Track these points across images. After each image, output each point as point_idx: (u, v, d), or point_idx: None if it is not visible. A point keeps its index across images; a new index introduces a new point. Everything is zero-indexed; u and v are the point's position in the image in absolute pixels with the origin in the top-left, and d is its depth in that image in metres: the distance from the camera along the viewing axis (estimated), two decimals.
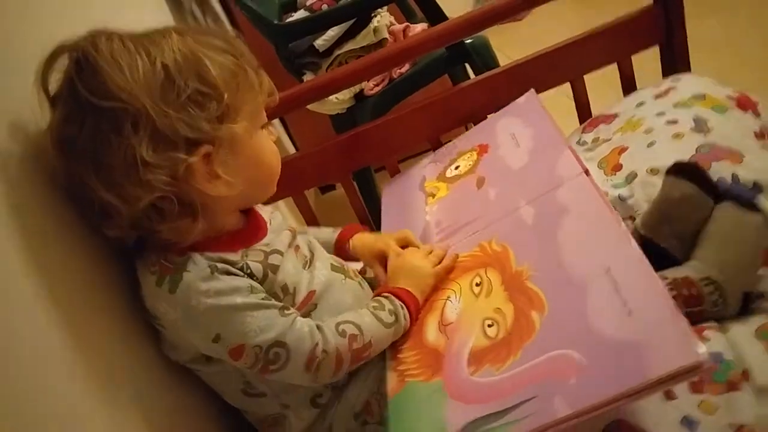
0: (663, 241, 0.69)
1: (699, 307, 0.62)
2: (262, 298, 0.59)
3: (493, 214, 0.74)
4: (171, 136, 0.52)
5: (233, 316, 0.56)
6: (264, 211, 0.70)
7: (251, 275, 0.59)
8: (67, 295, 0.52)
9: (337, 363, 0.60)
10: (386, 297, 0.66)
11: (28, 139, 0.55)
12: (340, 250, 0.81)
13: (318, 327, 0.60)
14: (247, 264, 0.60)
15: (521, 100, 0.91)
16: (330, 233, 0.83)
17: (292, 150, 2.08)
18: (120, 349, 0.58)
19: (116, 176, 0.52)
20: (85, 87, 0.51)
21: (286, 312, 0.59)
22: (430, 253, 0.73)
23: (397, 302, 0.66)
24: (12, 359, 0.42)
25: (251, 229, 0.66)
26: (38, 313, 0.47)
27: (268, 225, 0.68)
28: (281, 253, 0.64)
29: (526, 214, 0.70)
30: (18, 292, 0.46)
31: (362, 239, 0.80)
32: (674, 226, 0.68)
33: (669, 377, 0.44)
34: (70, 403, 0.47)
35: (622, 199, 0.79)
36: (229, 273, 0.58)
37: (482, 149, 0.86)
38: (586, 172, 0.68)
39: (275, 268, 0.62)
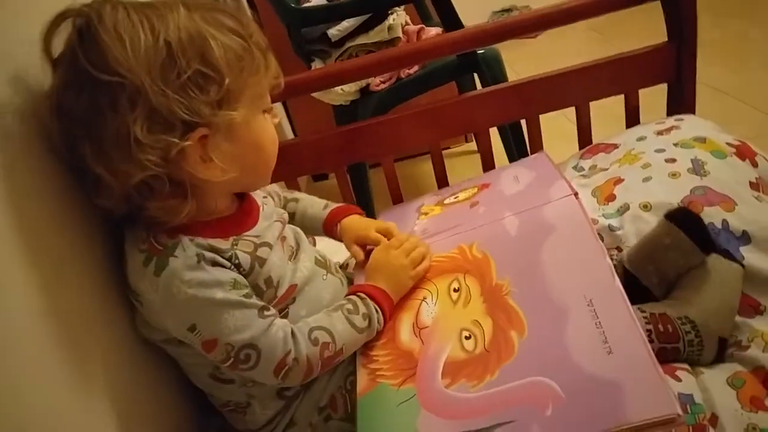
0: (645, 279, 0.69)
1: (674, 345, 0.62)
2: (244, 295, 0.58)
3: (478, 220, 0.75)
4: (167, 117, 0.51)
5: (211, 310, 0.56)
6: (257, 195, 0.70)
7: (238, 266, 0.59)
8: (47, 257, 0.51)
9: (307, 371, 0.60)
10: (362, 298, 0.65)
11: (30, 94, 0.54)
12: (329, 228, 0.81)
13: (293, 333, 0.59)
14: (235, 254, 0.59)
15: (531, 157, 0.93)
16: (321, 209, 0.82)
17: (290, 135, 2.07)
18: (93, 317, 0.57)
19: (108, 150, 0.52)
20: (86, 57, 0.50)
21: (265, 313, 0.59)
22: (413, 250, 0.71)
23: (372, 305, 0.65)
24: None
25: (243, 214, 0.65)
26: (15, 273, 0.46)
27: (260, 210, 0.67)
28: (270, 246, 0.63)
29: (510, 224, 0.70)
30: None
31: (350, 223, 0.79)
32: (659, 267, 0.69)
33: (644, 425, 0.45)
34: (38, 374, 0.46)
35: (612, 229, 0.79)
36: (215, 263, 0.57)
37: (484, 186, 0.87)
38: (576, 195, 0.68)
39: (262, 261, 0.61)
